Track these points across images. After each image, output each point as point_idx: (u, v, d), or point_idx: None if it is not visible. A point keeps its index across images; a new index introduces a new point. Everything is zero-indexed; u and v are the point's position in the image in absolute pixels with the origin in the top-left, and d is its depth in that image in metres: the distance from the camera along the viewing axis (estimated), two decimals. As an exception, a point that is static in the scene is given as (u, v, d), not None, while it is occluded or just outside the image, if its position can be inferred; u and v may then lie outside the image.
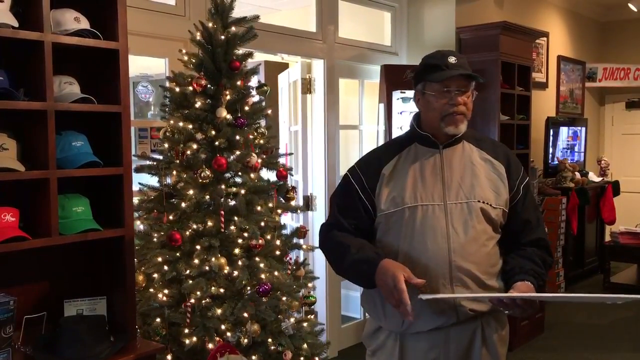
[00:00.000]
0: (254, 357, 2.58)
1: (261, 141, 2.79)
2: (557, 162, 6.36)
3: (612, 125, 7.86)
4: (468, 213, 1.80)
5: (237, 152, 2.67)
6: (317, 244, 3.60)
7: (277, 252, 2.75)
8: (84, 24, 2.19)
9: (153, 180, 2.70)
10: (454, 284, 1.77)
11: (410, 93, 4.49)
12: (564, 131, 6.58)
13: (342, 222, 1.88)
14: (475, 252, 1.80)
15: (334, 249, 1.89)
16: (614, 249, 6.13)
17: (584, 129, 6.96)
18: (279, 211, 2.81)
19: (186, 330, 2.51)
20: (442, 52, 1.87)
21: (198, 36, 2.72)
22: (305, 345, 2.75)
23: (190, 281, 2.53)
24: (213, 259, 2.52)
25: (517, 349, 4.42)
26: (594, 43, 7.56)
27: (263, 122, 2.88)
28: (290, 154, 4.35)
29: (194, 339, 2.49)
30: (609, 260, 6.15)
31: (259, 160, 2.72)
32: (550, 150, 6.33)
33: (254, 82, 2.86)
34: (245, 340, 2.53)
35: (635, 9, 6.53)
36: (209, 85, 2.67)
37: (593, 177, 6.81)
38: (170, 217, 2.61)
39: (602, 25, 7.68)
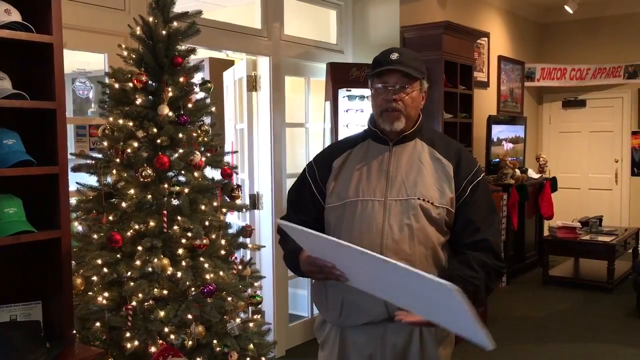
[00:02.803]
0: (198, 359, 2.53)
1: (205, 139, 2.74)
2: (498, 160, 6.53)
3: (549, 123, 8.14)
4: (406, 210, 1.79)
5: (180, 150, 2.62)
6: (263, 242, 3.57)
7: (222, 252, 2.71)
8: (15, 16, 2.10)
9: (92, 180, 2.61)
10: None
11: (355, 91, 4.52)
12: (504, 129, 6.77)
13: (292, 216, 1.95)
14: (410, 250, 1.77)
15: (281, 241, 1.99)
16: (552, 243, 6.35)
17: (523, 127, 7.18)
18: (224, 210, 2.77)
19: (127, 334, 2.44)
20: (390, 49, 1.86)
21: (138, 31, 2.64)
22: (251, 346, 2.72)
23: (132, 283, 2.46)
24: (155, 260, 2.46)
25: (462, 343, 4.51)
26: (533, 44, 7.81)
27: (207, 120, 2.82)
28: (236, 152, 4.30)
29: (136, 342, 2.42)
30: (547, 254, 6.37)
31: (203, 159, 2.67)
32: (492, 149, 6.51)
33: (197, 78, 2.81)
34: (190, 343, 2.48)
35: (571, 11, 6.77)
36: (149, 82, 2.60)
37: (532, 173, 7.03)
38: (110, 218, 2.53)
39: (540, 27, 7.95)
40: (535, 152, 7.67)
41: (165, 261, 2.47)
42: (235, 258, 2.84)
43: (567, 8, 6.76)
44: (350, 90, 4.53)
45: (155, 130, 2.56)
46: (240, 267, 2.83)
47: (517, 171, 6.56)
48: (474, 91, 5.43)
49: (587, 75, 7.35)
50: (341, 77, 4.53)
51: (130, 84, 2.58)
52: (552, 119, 8.12)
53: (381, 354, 1.85)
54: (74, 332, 2.29)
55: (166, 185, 2.56)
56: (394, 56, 1.81)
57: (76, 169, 2.58)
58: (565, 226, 6.31)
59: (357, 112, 4.51)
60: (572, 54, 7.66)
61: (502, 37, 7.04)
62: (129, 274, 2.47)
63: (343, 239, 1.81)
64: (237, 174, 3.22)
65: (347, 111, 4.56)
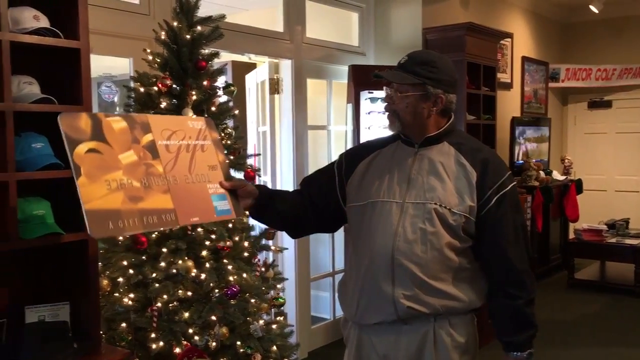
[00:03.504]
0: (222, 361, 2.55)
1: (228, 142, 2.76)
2: (522, 161, 6.47)
3: (574, 124, 8.03)
4: (421, 214, 1.77)
5: (204, 153, 2.63)
6: (285, 244, 3.59)
7: (246, 254, 2.73)
8: (44, 22, 2.14)
9: (117, 182, 2.65)
10: (395, 283, 1.78)
11: (377, 93, 4.52)
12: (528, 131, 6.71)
13: (302, 189, 2.03)
14: (422, 253, 1.75)
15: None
16: (577, 246, 6.26)
17: (547, 128, 7.10)
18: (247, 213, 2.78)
19: (152, 335, 2.46)
20: (409, 52, 1.89)
21: (163, 35, 2.68)
22: (274, 348, 2.74)
23: (157, 285, 2.49)
24: (180, 262, 2.49)
25: (485, 347, 4.47)
26: (557, 44, 7.71)
27: (230, 123, 2.85)
28: (258, 154, 4.32)
29: (161, 343, 2.45)
30: (573, 257, 6.28)
31: (226, 161, 2.68)
32: (516, 149, 6.45)
33: (220, 82, 2.83)
34: (214, 344, 2.50)
35: (596, 11, 6.68)
36: (174, 85, 2.63)
37: (557, 175, 6.95)
38: (136, 220, 2.56)
39: (565, 27, 7.84)
40: (560, 154, 7.57)
41: (190, 263, 2.50)
42: (258, 260, 2.86)
43: (592, 8, 6.66)
44: (372, 93, 4.53)
45: (179, 133, 2.58)
46: (263, 269, 2.84)
47: (542, 173, 6.48)
48: (497, 92, 5.38)
49: (613, 76, 7.24)
50: (363, 79, 4.53)
51: (155, 88, 2.62)
52: (577, 120, 8.01)
53: (395, 356, 1.85)
54: (101, 332, 2.32)
55: (190, 188, 2.58)
56: (403, 60, 1.85)
57: (102, 171, 2.62)
58: (591, 229, 6.22)
59: (379, 114, 4.50)
60: (597, 54, 7.54)
61: (526, 37, 6.96)
62: (153, 275, 2.50)
63: (359, 237, 1.88)
64: (259, 176, 3.23)
65: (369, 113, 4.56)
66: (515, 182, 1.88)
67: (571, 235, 6.76)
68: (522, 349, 1.86)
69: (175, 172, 1.74)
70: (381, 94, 4.91)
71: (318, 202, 1.97)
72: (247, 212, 1.97)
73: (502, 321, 1.88)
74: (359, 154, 1.99)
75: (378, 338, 1.86)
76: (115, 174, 1.62)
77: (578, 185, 6.93)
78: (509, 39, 6.47)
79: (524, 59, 6.88)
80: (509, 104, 6.55)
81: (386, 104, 1.87)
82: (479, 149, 1.89)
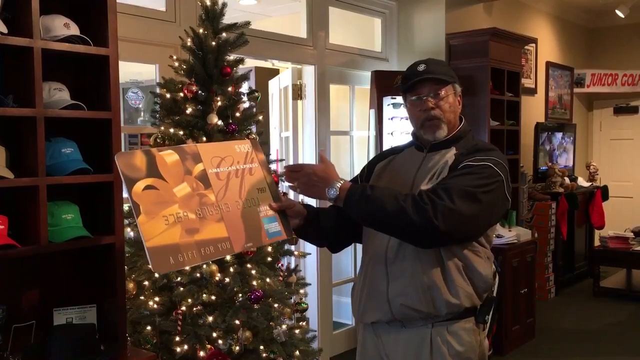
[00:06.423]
0: (245, 365, 2.56)
1: (252, 147, 2.78)
2: (546, 168, 6.40)
3: (600, 130, 7.92)
4: None
5: (229, 159, 2.66)
6: (308, 250, 3.60)
7: (269, 259, 2.74)
8: (74, 30, 2.18)
9: (143, 187, 2.68)
10: (390, 281, 1.83)
11: (400, 99, 4.51)
12: (553, 137, 6.63)
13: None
14: (414, 252, 1.77)
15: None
16: (603, 254, 6.16)
17: (572, 134, 7.01)
18: (271, 217, 2.79)
19: (177, 338, 2.49)
20: (416, 62, 1.92)
21: (189, 42, 2.71)
22: (297, 352, 2.74)
23: (182, 289, 2.52)
24: (204, 266, 2.51)
25: (509, 354, 4.43)
26: (582, 49, 7.62)
27: (254, 128, 2.87)
28: (282, 160, 4.34)
29: (185, 347, 2.47)
30: (598, 264, 6.18)
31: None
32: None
33: (244, 88, 2.86)
34: (237, 348, 2.52)
35: (622, 15, 6.59)
36: (199, 92, 2.66)
37: (582, 182, 6.85)
38: (161, 224, 2.59)
39: (590, 32, 7.75)
40: (585, 160, 7.47)
41: (214, 267, 2.52)
42: (282, 265, 2.87)
43: (618, 12, 6.58)
44: (395, 98, 4.52)
45: (204, 139, 2.61)
46: (286, 274, 2.86)
47: (567, 179, 6.40)
48: (521, 98, 5.34)
49: (639, 81, 7.13)
50: (386, 85, 4.52)
51: (181, 94, 2.65)
52: (603, 125, 7.90)
53: (394, 357, 1.88)
54: (127, 335, 2.35)
55: (215, 193, 2.60)
56: (421, 67, 1.87)
57: (129, 176, 2.65)
58: (617, 236, 6.12)
59: (401, 120, 4.50)
60: (623, 59, 7.43)
61: (551, 42, 6.90)
62: (178, 279, 2.53)
63: (365, 239, 1.96)
64: (283, 181, 3.25)
65: (391, 119, 4.55)
66: (498, 177, 1.76)
67: (597, 243, 6.66)
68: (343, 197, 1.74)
69: (227, 200, 1.75)
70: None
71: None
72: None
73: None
74: (376, 159, 2.09)
75: (379, 337, 1.91)
76: (171, 208, 1.63)
77: (604, 192, 6.82)
78: (533, 44, 6.41)
79: (549, 64, 6.82)
80: (533, 110, 6.49)
81: (430, 112, 1.85)
82: (477, 146, 1.87)
